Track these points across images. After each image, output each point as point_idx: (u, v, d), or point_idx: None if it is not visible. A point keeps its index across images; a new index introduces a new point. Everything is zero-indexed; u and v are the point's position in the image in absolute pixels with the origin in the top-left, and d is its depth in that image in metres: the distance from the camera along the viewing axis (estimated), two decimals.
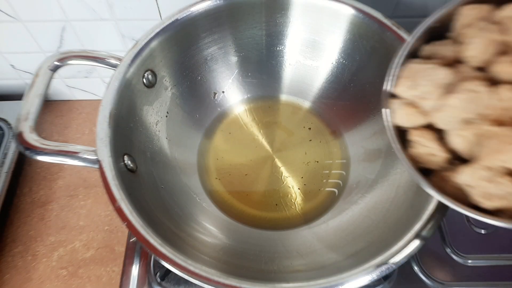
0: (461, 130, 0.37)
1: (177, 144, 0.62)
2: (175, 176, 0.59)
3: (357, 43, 0.60)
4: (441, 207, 0.42)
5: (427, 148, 0.39)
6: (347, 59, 0.63)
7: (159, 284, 0.59)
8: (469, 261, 0.60)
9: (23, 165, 0.75)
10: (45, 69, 0.50)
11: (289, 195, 0.62)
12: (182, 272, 0.39)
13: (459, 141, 0.38)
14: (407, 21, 0.69)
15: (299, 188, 0.62)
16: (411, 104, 0.40)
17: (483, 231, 0.63)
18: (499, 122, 0.35)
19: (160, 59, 0.56)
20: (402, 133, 0.42)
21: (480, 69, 0.38)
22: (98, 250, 0.66)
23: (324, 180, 0.63)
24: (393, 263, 0.40)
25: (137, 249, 0.62)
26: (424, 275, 0.59)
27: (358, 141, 0.64)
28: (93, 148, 0.45)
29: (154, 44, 0.54)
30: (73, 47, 0.71)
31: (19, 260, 0.65)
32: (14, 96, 0.82)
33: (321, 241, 0.54)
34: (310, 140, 0.67)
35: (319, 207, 0.61)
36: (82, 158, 0.44)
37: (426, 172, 0.40)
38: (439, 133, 0.40)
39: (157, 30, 0.54)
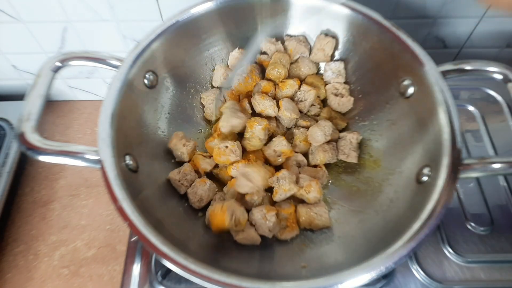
0: None
1: None
2: None
3: (356, 44, 0.60)
4: (439, 207, 0.43)
5: None
6: (346, 60, 0.63)
7: (160, 283, 0.59)
8: (468, 260, 0.61)
9: (24, 165, 0.75)
10: (46, 69, 0.50)
11: None
12: (183, 271, 0.40)
13: None
14: (406, 22, 0.69)
15: None
16: None
17: (481, 231, 0.63)
18: None
19: (161, 60, 0.57)
20: None
21: None
22: (100, 249, 0.66)
23: None
24: (392, 262, 0.40)
25: (138, 248, 0.63)
26: (422, 274, 0.59)
27: None
28: (95, 148, 0.45)
29: (155, 45, 0.54)
30: (75, 47, 0.72)
31: (20, 259, 0.65)
32: (16, 96, 0.82)
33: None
34: None
35: None
36: (84, 158, 0.45)
37: None
38: None
39: (158, 31, 0.54)
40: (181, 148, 0.58)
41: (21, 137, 0.45)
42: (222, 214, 0.49)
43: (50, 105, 0.85)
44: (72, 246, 0.67)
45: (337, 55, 0.63)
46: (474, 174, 0.45)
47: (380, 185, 0.56)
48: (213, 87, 0.66)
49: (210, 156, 0.59)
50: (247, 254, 0.51)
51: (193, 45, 0.61)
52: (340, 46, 0.62)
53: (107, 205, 0.71)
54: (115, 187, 0.43)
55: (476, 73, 0.51)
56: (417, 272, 0.59)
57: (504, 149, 0.71)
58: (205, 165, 0.58)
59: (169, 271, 0.60)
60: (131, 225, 0.41)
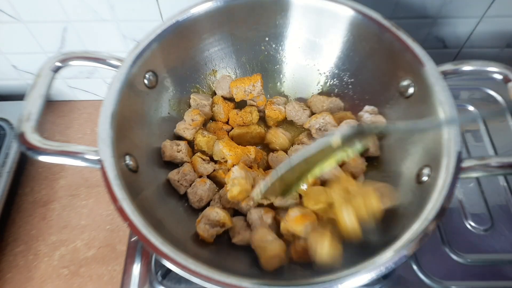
0: None
1: None
2: None
3: (356, 44, 0.60)
4: (439, 207, 0.43)
5: None
6: (346, 60, 0.63)
7: (160, 283, 0.59)
8: (468, 260, 0.61)
9: (24, 164, 0.75)
10: (46, 69, 0.50)
11: None
12: (183, 271, 0.40)
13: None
14: (406, 22, 0.69)
15: None
16: None
17: (481, 231, 0.63)
18: None
19: (161, 60, 0.57)
20: None
21: None
22: (100, 249, 0.66)
23: None
24: (392, 263, 0.40)
25: (138, 248, 0.63)
26: (423, 274, 0.59)
27: None
28: (95, 148, 0.45)
29: (155, 45, 0.54)
30: (75, 47, 0.72)
31: (20, 259, 0.65)
32: (16, 96, 0.82)
33: None
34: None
35: None
36: (84, 158, 0.45)
37: None
38: None
39: (158, 31, 0.54)
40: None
41: (21, 137, 0.45)
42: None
43: (50, 105, 0.85)
44: (72, 246, 0.67)
45: (337, 56, 0.63)
46: (474, 174, 0.45)
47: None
48: (215, 94, 0.66)
49: (209, 161, 0.59)
50: (247, 254, 0.51)
51: (193, 45, 0.61)
52: (340, 47, 0.62)
53: (107, 205, 0.71)
54: (115, 187, 0.43)
55: (476, 73, 0.50)
56: (417, 272, 0.59)
57: (504, 149, 0.71)
58: (203, 169, 0.58)
59: (169, 271, 0.60)
60: (131, 225, 0.41)
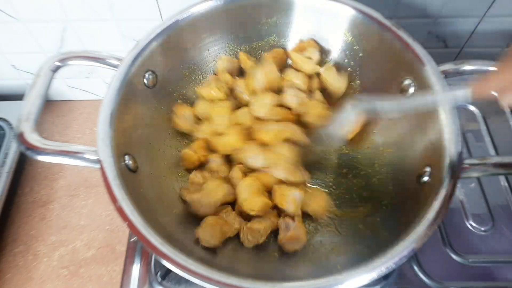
0: None
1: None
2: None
3: (358, 44, 0.60)
4: (440, 207, 0.42)
5: None
6: (347, 60, 0.63)
7: (160, 283, 0.59)
8: (469, 260, 0.60)
9: (24, 164, 0.75)
10: (46, 69, 0.50)
11: None
12: (183, 271, 0.40)
13: None
14: (407, 21, 0.69)
15: None
16: None
17: (482, 232, 0.63)
18: None
19: (160, 60, 0.57)
20: None
21: None
22: (99, 249, 0.66)
23: None
24: (393, 263, 0.40)
25: (138, 248, 0.63)
26: (423, 274, 0.59)
27: None
28: (94, 148, 0.45)
29: (154, 44, 0.54)
30: (74, 47, 0.72)
31: (20, 259, 0.65)
32: (15, 96, 0.82)
33: None
34: None
35: None
36: (83, 158, 0.45)
37: None
38: None
39: (158, 30, 0.54)
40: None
41: (21, 137, 0.45)
42: None
43: (50, 105, 0.84)
44: (72, 247, 0.66)
45: (337, 55, 0.63)
46: (475, 174, 0.45)
47: (380, 185, 0.56)
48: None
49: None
50: (246, 254, 0.51)
51: (193, 44, 0.61)
52: (341, 46, 0.62)
53: (107, 205, 0.71)
54: (114, 187, 0.43)
55: (477, 72, 0.50)
56: (418, 273, 0.59)
57: (505, 149, 0.71)
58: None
59: (168, 271, 0.60)
60: (131, 225, 0.41)
